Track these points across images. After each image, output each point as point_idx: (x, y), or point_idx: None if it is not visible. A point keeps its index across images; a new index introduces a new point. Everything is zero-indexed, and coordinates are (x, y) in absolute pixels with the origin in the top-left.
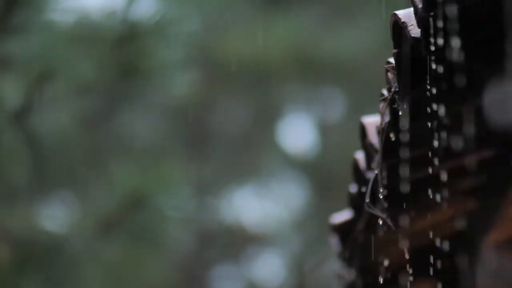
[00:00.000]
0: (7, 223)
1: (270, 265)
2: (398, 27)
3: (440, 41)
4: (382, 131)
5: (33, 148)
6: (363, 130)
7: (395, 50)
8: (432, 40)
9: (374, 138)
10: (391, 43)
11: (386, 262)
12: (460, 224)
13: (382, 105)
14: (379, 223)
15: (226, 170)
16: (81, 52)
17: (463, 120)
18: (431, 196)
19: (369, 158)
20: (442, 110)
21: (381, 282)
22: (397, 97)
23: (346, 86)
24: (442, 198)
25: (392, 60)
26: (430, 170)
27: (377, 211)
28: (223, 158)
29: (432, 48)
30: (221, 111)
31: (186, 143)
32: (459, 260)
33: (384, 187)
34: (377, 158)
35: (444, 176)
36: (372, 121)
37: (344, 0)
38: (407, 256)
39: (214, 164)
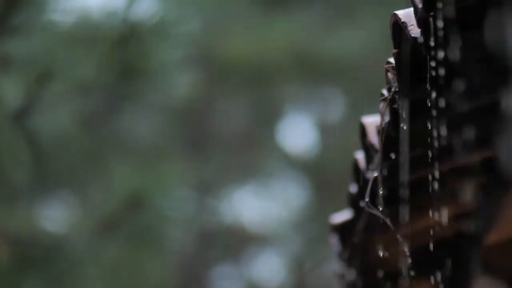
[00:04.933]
0: (7, 223)
1: (270, 265)
2: (398, 27)
3: (440, 41)
4: (382, 131)
5: (33, 148)
6: (363, 130)
7: (395, 50)
8: (432, 40)
9: (374, 138)
10: (391, 43)
11: (386, 262)
12: (460, 224)
13: (382, 105)
14: (379, 223)
15: (226, 170)
16: (81, 52)
17: (463, 120)
18: (431, 196)
19: (369, 158)
20: (442, 110)
21: (381, 282)
22: (397, 97)
23: (346, 86)
24: (442, 198)
25: (392, 60)
26: (430, 170)
27: (377, 211)
28: (223, 158)
29: (432, 48)
30: (221, 111)
31: (186, 143)
32: (459, 260)
33: (384, 187)
34: (377, 158)
35: (444, 176)
36: (372, 121)
37: (344, 0)
38: (406, 256)
39: (214, 164)
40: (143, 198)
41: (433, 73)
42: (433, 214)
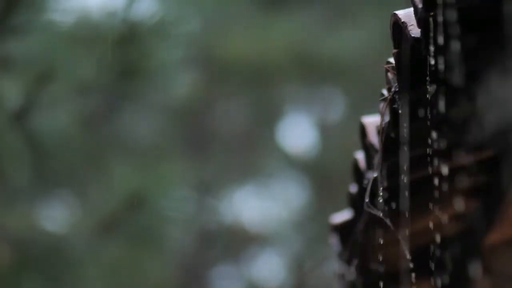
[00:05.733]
0: (7, 223)
1: (270, 265)
2: (398, 27)
3: (440, 41)
4: (382, 131)
5: (33, 148)
6: (363, 130)
7: (395, 50)
8: (432, 40)
9: (374, 138)
10: (391, 43)
11: (386, 262)
12: (460, 224)
13: (382, 105)
14: (379, 223)
15: (226, 170)
16: (81, 52)
17: (463, 120)
18: (430, 196)
19: (369, 158)
20: (442, 110)
21: (381, 282)
22: (397, 97)
23: (346, 86)
24: (442, 198)
25: (392, 60)
26: (430, 170)
27: (377, 211)
28: (223, 158)
29: (432, 48)
30: (221, 111)
31: (186, 143)
32: (459, 261)
33: (384, 187)
34: (377, 158)
35: (444, 176)
36: (372, 121)
37: (344, 0)
38: (406, 256)
39: (214, 164)
40: (143, 198)
41: (433, 73)
42: (433, 214)
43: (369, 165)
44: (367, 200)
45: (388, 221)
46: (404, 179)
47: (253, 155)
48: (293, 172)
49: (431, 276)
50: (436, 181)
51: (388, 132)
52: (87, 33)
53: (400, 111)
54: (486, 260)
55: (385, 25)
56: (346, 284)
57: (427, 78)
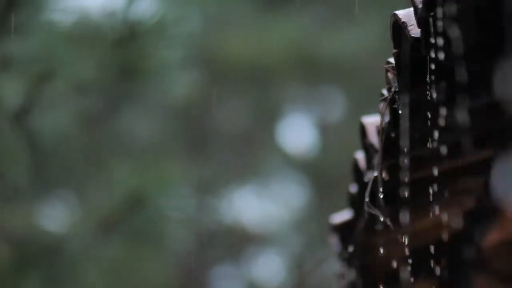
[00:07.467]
0: (7, 223)
1: (270, 265)
2: (398, 27)
3: (440, 41)
4: (382, 131)
5: (33, 148)
6: (363, 130)
7: (395, 50)
8: (432, 40)
9: (374, 138)
10: (391, 43)
11: (386, 262)
12: (460, 224)
13: (382, 105)
14: (379, 223)
15: (226, 170)
16: (81, 52)
17: (463, 120)
18: (430, 196)
19: (369, 158)
20: (442, 110)
21: (381, 282)
22: (397, 97)
23: (346, 86)
24: (441, 198)
25: (392, 60)
26: (430, 170)
27: (377, 211)
28: (223, 158)
29: (432, 48)
30: (221, 111)
31: (186, 143)
32: (458, 260)
33: (384, 187)
34: (377, 158)
35: (444, 176)
36: (372, 121)
37: (344, 0)
38: (406, 256)
39: (214, 164)
40: (143, 198)
41: (433, 73)
42: (433, 214)
43: (369, 165)
44: (367, 200)
45: (388, 221)
46: (404, 179)
47: (253, 155)
48: (293, 172)
49: (431, 276)
50: (435, 181)
51: (388, 132)
52: (87, 33)
53: (400, 111)
54: (486, 260)
55: (385, 25)
56: (346, 284)
57: (427, 78)
